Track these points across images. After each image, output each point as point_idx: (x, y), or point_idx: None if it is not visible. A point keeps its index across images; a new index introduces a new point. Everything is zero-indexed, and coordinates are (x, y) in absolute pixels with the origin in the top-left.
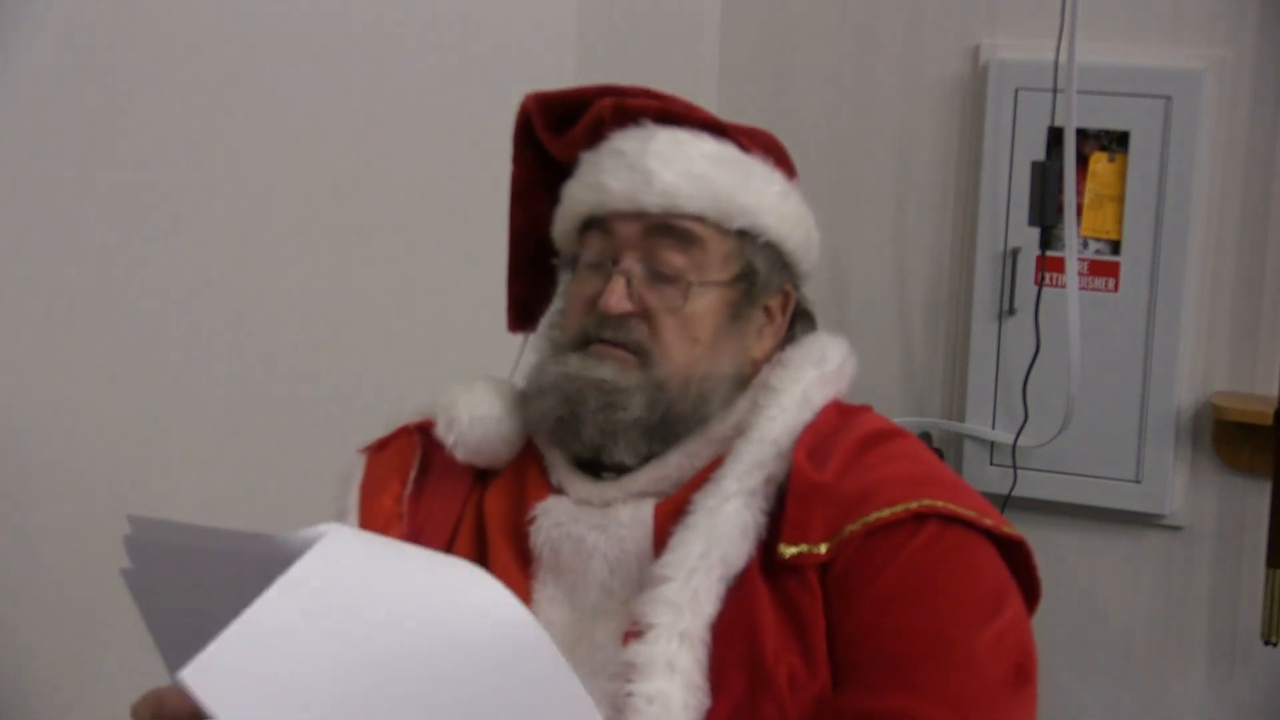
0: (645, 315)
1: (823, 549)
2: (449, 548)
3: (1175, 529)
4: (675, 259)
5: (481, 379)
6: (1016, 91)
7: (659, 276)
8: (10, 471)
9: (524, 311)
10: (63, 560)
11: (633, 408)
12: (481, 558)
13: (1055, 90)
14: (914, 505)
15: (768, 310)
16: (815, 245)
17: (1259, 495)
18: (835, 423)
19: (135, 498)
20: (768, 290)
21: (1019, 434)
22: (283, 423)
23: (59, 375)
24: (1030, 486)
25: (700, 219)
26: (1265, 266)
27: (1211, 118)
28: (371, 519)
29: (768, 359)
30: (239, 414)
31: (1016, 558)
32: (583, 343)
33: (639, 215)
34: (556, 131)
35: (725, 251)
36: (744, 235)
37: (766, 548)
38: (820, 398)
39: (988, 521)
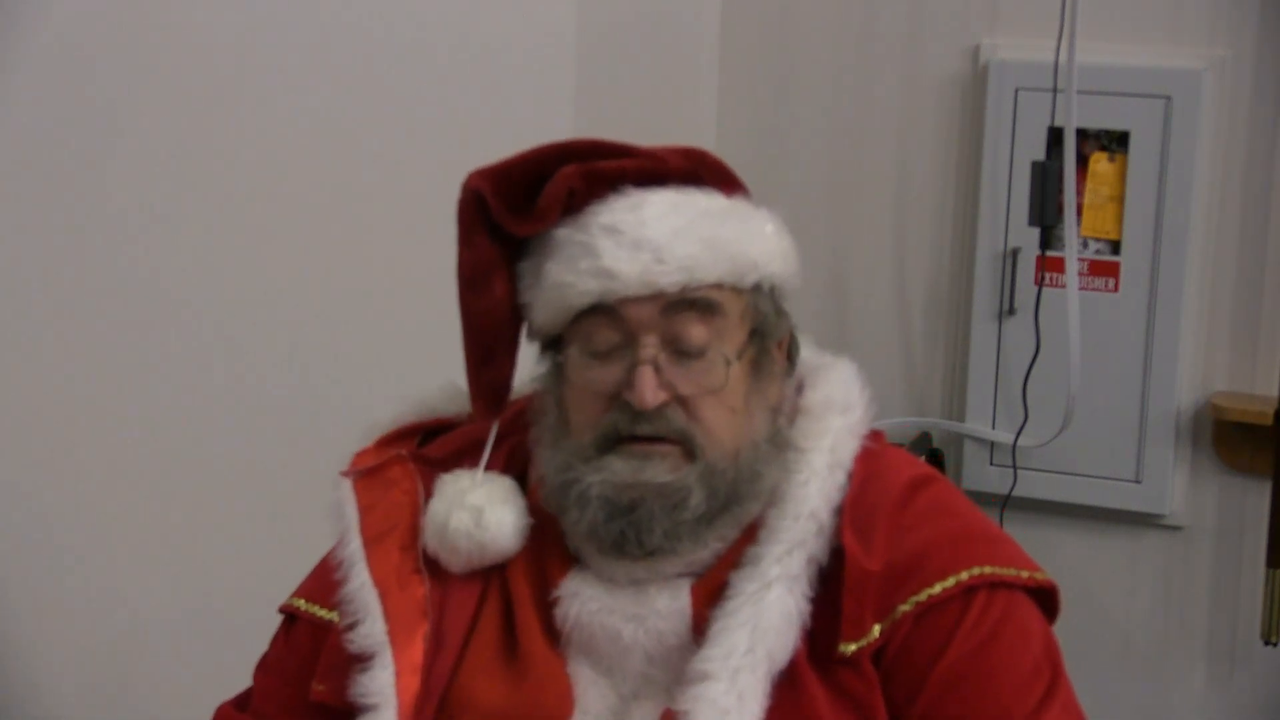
0: (678, 399)
1: (875, 632)
2: (474, 622)
3: (1175, 529)
4: (698, 333)
5: (474, 486)
6: (1016, 91)
7: (684, 354)
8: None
9: (493, 399)
10: (65, 563)
11: (694, 504)
12: (510, 636)
13: (1055, 90)
14: (964, 576)
15: (771, 352)
16: (798, 268)
17: (1259, 495)
18: (864, 475)
19: (131, 498)
20: (775, 334)
21: (1019, 434)
22: (276, 426)
23: (58, 373)
24: (1030, 486)
25: (718, 285)
26: (1265, 266)
27: (1211, 118)
28: (384, 575)
29: (781, 401)
30: (232, 417)
31: (1043, 595)
32: (613, 441)
33: (654, 296)
34: (517, 210)
35: (740, 310)
36: (755, 288)
37: (813, 637)
38: (849, 452)
39: (1025, 575)
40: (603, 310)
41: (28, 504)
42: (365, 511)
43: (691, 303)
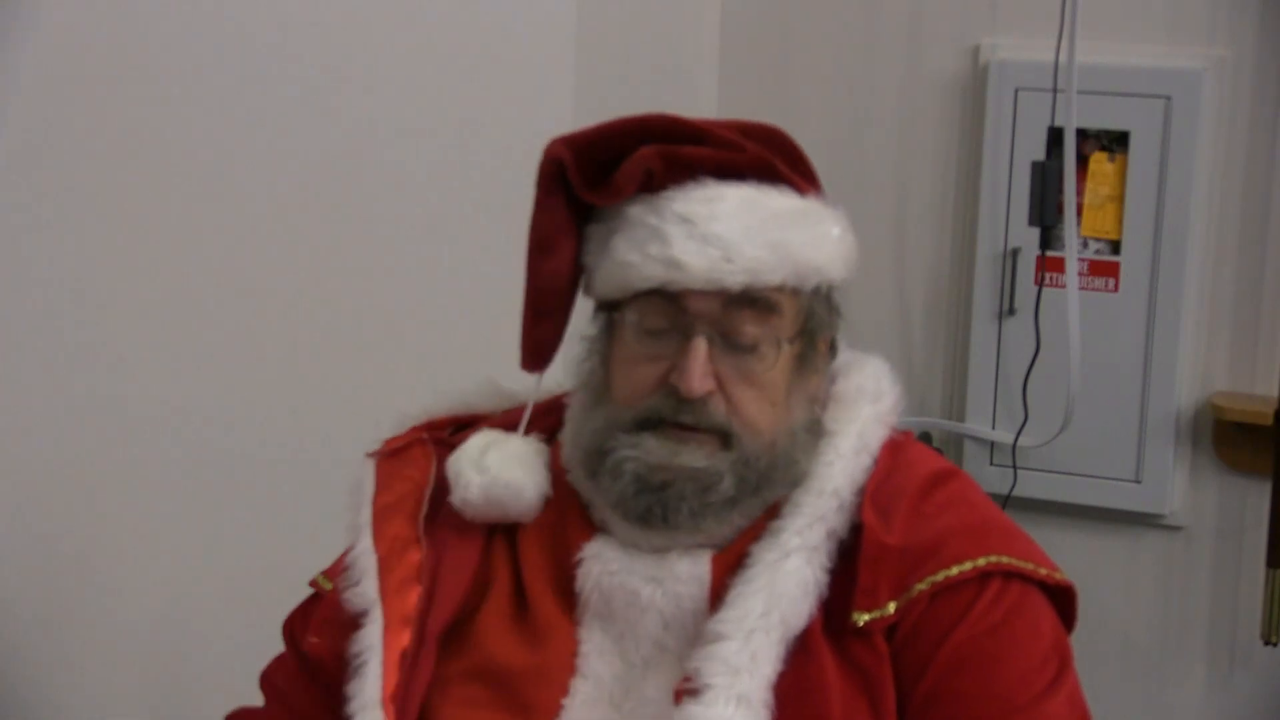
0: (721, 389)
1: (890, 609)
2: (474, 589)
3: (1175, 529)
4: (752, 330)
5: (500, 443)
6: (1016, 91)
7: (735, 347)
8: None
9: (541, 353)
10: (64, 563)
11: (724, 489)
12: (521, 601)
13: (1055, 90)
14: (981, 562)
15: (818, 347)
16: (855, 266)
17: (1259, 495)
18: (889, 463)
19: (126, 501)
20: (824, 332)
21: (1019, 434)
22: (282, 427)
23: (53, 372)
24: (1030, 486)
25: (780, 287)
26: (1265, 266)
27: (1211, 118)
28: (387, 545)
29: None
30: (234, 418)
31: (1061, 598)
32: (654, 421)
33: (717, 293)
34: (593, 181)
35: (796, 310)
36: (814, 290)
37: (828, 608)
38: (876, 439)
39: (1043, 572)
40: (663, 294)
41: (33, 504)
42: (381, 487)
43: (752, 300)
